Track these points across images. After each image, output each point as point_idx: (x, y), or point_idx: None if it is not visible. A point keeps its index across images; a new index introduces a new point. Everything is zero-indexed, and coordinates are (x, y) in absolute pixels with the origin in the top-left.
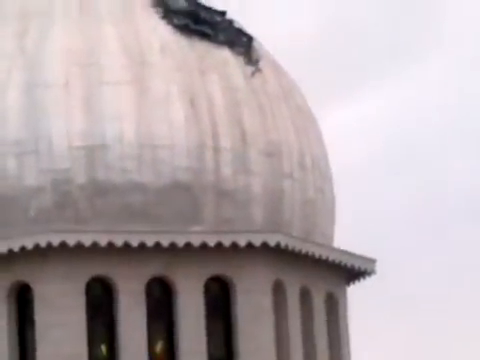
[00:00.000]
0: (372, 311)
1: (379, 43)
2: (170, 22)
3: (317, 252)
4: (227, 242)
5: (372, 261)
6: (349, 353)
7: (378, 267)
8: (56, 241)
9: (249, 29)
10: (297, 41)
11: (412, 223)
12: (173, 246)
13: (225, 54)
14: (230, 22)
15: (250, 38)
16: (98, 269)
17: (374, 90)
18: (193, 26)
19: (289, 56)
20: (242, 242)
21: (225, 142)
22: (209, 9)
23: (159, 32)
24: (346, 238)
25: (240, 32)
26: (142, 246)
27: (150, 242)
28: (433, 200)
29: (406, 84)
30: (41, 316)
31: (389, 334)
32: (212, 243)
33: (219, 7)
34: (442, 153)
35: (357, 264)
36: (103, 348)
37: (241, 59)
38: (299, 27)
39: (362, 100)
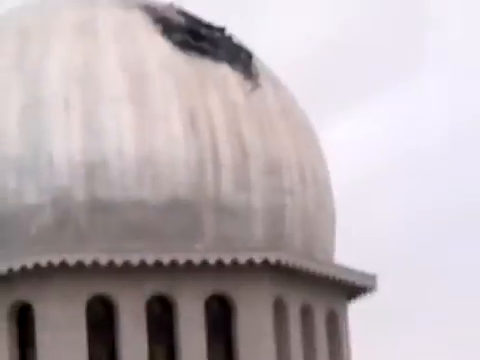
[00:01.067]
0: (372, 327)
1: (379, 58)
2: (170, 38)
3: (318, 269)
4: (228, 260)
5: (372, 277)
6: None
7: (379, 283)
8: (57, 260)
9: (249, 44)
10: (297, 57)
11: (413, 239)
12: (174, 264)
13: (224, 70)
14: (229, 38)
15: (249, 54)
16: (99, 288)
17: (375, 105)
18: (193, 42)
19: (289, 71)
20: (243, 260)
21: (225, 158)
22: (208, 25)
23: (159, 48)
24: (347, 254)
25: (239, 48)
26: (142, 264)
27: (150, 260)
28: (434, 216)
29: (407, 99)
30: (42, 335)
31: (390, 350)
32: (213, 261)
33: (219, 23)
34: (443, 169)
35: (358, 280)
36: None
37: (240, 75)
38: (299, 43)
39: (363, 115)
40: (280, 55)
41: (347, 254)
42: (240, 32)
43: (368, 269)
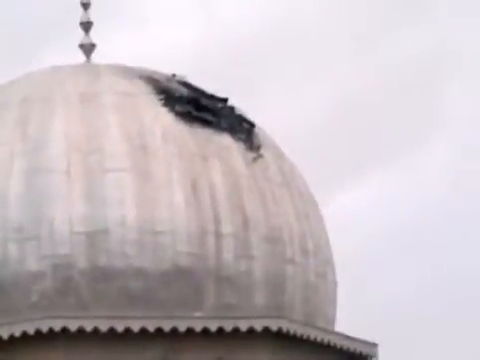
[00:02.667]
0: None
1: (384, 128)
2: (172, 109)
3: (319, 336)
4: (229, 327)
5: (374, 345)
6: None
7: (380, 352)
8: (58, 327)
9: (251, 115)
10: (300, 126)
11: (414, 308)
12: (174, 331)
13: (226, 140)
14: (231, 109)
15: (252, 124)
16: (99, 355)
17: (377, 175)
18: (195, 113)
19: (292, 140)
20: (244, 327)
21: (226, 227)
22: (211, 96)
23: (161, 119)
24: (348, 322)
25: (242, 119)
26: (143, 331)
27: (151, 327)
28: (435, 286)
29: (410, 170)
30: None
31: None
32: (214, 328)
33: (222, 94)
34: (445, 240)
35: (359, 348)
36: None
37: (242, 145)
38: (302, 112)
39: (366, 185)
40: (284, 126)
41: (349, 322)
42: (243, 103)
43: (369, 337)
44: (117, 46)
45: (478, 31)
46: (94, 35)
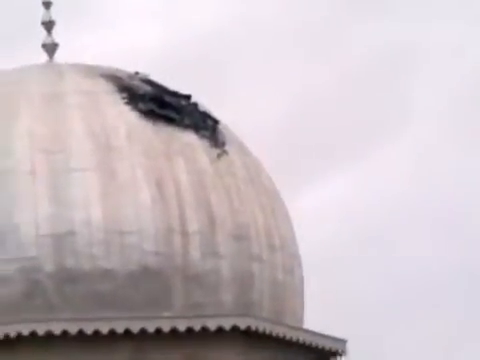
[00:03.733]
0: None
1: (348, 124)
2: (135, 107)
3: (287, 334)
4: (197, 326)
5: (343, 341)
6: None
7: (349, 348)
8: (26, 331)
9: (216, 112)
10: (265, 122)
11: (382, 304)
12: (143, 332)
13: (190, 138)
14: (195, 106)
15: (215, 121)
16: (69, 358)
17: (343, 172)
18: (158, 111)
19: (257, 137)
20: (212, 326)
21: (193, 226)
22: (174, 93)
23: (125, 117)
24: (317, 319)
25: (205, 115)
26: (112, 333)
27: (120, 329)
28: (401, 282)
29: (375, 166)
30: None
31: None
32: (182, 328)
33: (186, 92)
34: (410, 236)
35: (328, 345)
36: None
37: (207, 142)
38: (267, 109)
39: (331, 182)
40: (248, 122)
41: (317, 318)
42: (208, 100)
43: (338, 334)
44: (80, 45)
45: (444, 25)
46: (57, 35)
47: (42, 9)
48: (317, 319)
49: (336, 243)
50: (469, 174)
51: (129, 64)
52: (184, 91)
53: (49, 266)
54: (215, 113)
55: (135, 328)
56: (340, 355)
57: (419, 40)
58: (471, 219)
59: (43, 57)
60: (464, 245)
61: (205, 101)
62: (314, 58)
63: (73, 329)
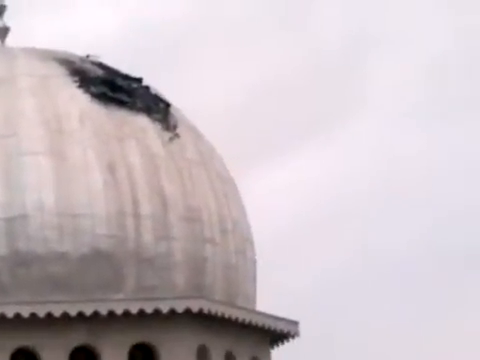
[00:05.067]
0: None
1: (303, 105)
2: (87, 90)
3: (240, 316)
4: (150, 309)
5: (295, 323)
6: None
7: (301, 329)
8: None
9: (167, 95)
10: (219, 106)
11: (336, 285)
12: (96, 315)
13: (143, 121)
14: (147, 89)
15: (167, 104)
16: (22, 340)
17: (298, 153)
18: (110, 94)
19: (210, 120)
20: (165, 309)
21: (145, 209)
22: (126, 76)
23: (77, 101)
24: (269, 301)
25: (157, 98)
26: (65, 316)
27: (73, 312)
28: (357, 263)
29: (330, 147)
30: None
31: None
32: (135, 310)
33: (138, 74)
34: (365, 216)
35: (280, 327)
36: None
37: (159, 125)
38: (221, 92)
39: (286, 163)
40: (202, 105)
41: (270, 301)
42: (162, 83)
43: (291, 316)
44: (32, 30)
45: (399, 10)
46: (8, 19)
47: None
48: (270, 301)
49: (289, 225)
50: (429, 148)
51: (82, 49)
52: (140, 74)
53: (2, 249)
54: (169, 97)
55: (88, 311)
56: (293, 337)
57: (374, 24)
58: (434, 193)
59: None
60: (429, 219)
61: (160, 86)
62: (273, 40)
63: (26, 312)
